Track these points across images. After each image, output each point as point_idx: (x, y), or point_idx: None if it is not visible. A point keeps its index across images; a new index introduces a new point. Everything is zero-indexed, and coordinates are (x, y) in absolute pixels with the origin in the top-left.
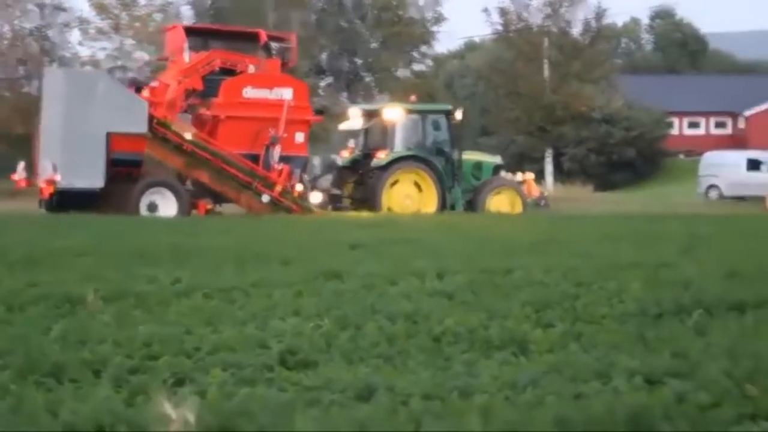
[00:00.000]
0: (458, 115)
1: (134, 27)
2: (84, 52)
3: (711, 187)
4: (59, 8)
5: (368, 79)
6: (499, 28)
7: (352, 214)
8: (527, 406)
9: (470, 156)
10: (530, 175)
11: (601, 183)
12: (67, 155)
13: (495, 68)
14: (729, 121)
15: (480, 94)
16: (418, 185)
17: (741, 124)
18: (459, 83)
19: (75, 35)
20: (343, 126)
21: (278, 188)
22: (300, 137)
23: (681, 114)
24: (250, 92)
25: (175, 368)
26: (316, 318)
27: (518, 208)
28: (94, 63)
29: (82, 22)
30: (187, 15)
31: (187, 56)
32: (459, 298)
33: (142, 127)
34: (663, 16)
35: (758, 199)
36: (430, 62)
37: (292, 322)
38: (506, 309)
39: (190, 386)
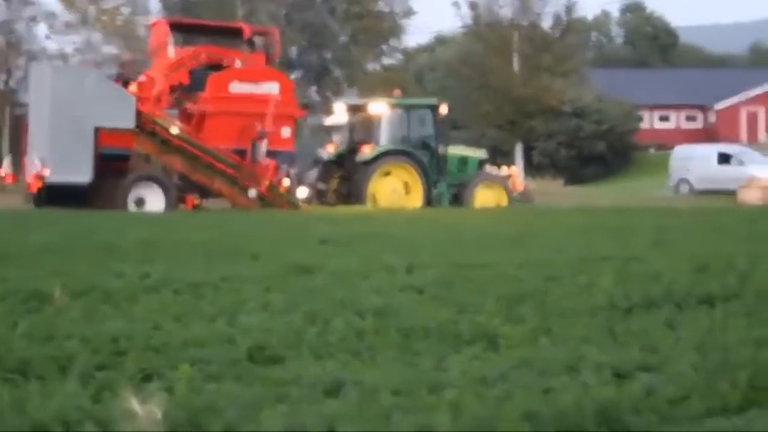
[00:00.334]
0: (443, 109)
1: (102, 20)
2: (52, 45)
3: (681, 180)
4: (26, 2)
5: (337, 73)
6: (469, 21)
7: (325, 208)
8: (496, 400)
9: (455, 150)
10: (515, 170)
11: (571, 177)
12: (56, 150)
13: (465, 62)
14: (699, 115)
15: (450, 88)
16: (403, 180)
17: (711, 118)
18: (429, 77)
19: (42, 29)
20: (328, 121)
21: (265, 183)
22: (286, 132)
23: (651, 108)
24: (236, 87)
25: (143, 364)
26: (285, 313)
27: (504, 203)
28: (62, 57)
29: (50, 16)
30: (156, 8)
31: (171, 51)
32: (429, 292)
33: (130, 122)
34: (633, 9)
35: (729, 193)
36: (399, 56)
37: (260, 318)
38: (477, 303)
39: (158, 382)
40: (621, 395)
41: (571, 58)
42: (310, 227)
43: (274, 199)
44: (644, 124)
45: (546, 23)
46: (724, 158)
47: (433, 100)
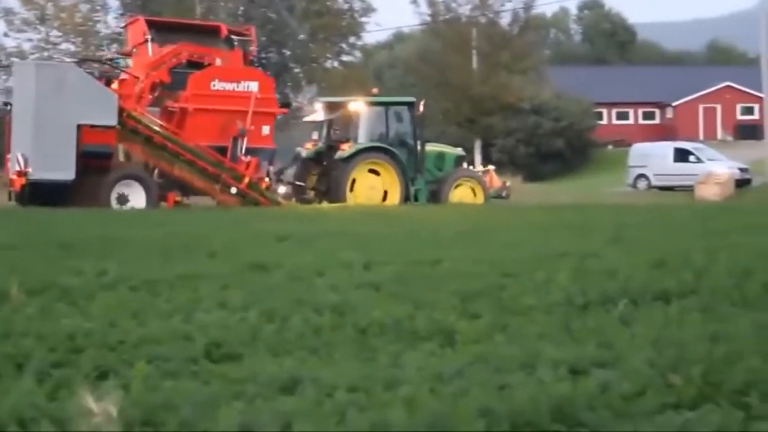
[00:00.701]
0: (420, 107)
1: (60, 18)
2: (9, 43)
3: (639, 177)
4: None
5: (297, 70)
6: (428, 18)
7: (290, 206)
8: (452, 397)
9: (433, 147)
10: (492, 167)
11: (530, 174)
12: (38, 147)
13: (423, 59)
14: (657, 112)
15: (409, 86)
16: (381, 177)
17: (669, 115)
18: (388, 74)
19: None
20: (307, 118)
21: (246, 180)
22: (266, 129)
23: (609, 105)
24: (217, 85)
25: (99, 362)
26: (242, 310)
27: (480, 199)
28: (20, 54)
29: (7, 13)
30: (114, 5)
31: (150, 49)
32: (386, 289)
33: (112, 120)
34: (591, 6)
35: (687, 189)
36: (358, 53)
37: (217, 315)
38: (433, 300)
39: (114, 380)
40: (576, 392)
41: (530, 56)
42: (268, 225)
43: (254, 196)
44: (602, 121)
45: (504, 20)
46: (681, 155)
47: (410, 98)
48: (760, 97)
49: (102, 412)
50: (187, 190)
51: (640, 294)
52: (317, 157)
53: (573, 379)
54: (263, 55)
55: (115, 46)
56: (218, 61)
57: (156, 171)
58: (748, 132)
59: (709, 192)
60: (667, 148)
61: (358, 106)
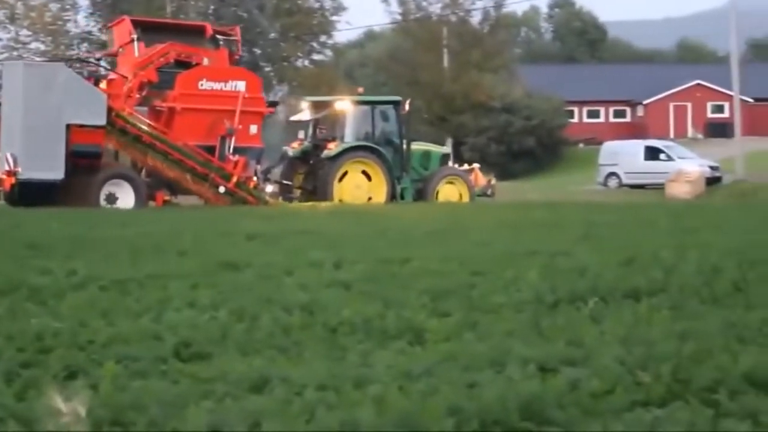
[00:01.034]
0: (406, 106)
1: (30, 17)
2: None
3: (610, 175)
4: None
5: (268, 69)
6: (398, 17)
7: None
8: (421, 395)
9: (419, 146)
10: (477, 165)
11: (501, 172)
12: (28, 147)
13: (394, 58)
14: (628, 110)
15: (380, 84)
16: (368, 176)
17: (640, 113)
18: (359, 73)
19: None
20: (294, 117)
21: (234, 179)
22: (254, 129)
23: (580, 103)
24: (205, 84)
25: (68, 361)
26: (212, 309)
27: (466, 197)
28: None
29: None
30: (84, 4)
31: (136, 49)
32: (356, 288)
33: (101, 119)
34: (562, 5)
35: (657, 187)
36: (329, 52)
37: (187, 314)
38: (403, 298)
39: (83, 379)
40: (545, 389)
41: (500, 54)
42: (238, 224)
43: (242, 195)
44: (573, 120)
45: (475, 19)
46: (652, 153)
47: (396, 97)
48: (730, 96)
49: (70, 412)
50: (176, 189)
51: (610, 292)
52: (304, 157)
53: (542, 377)
54: None
55: (85, 45)
56: (206, 61)
57: (144, 170)
58: (718, 130)
59: (679, 190)
60: (638, 146)
61: (344, 105)
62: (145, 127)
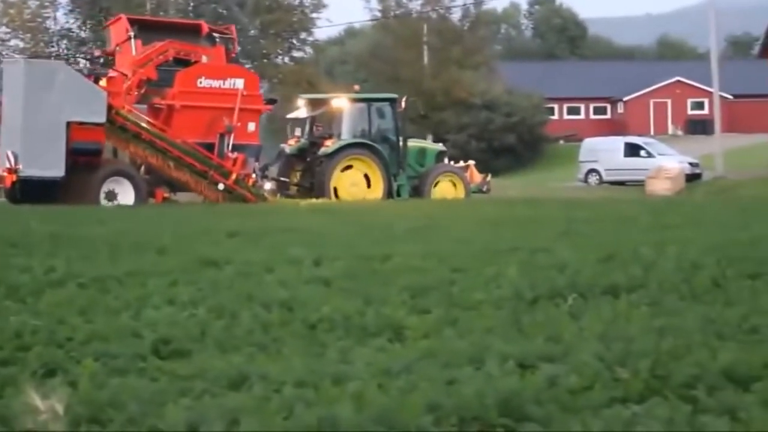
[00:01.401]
0: (402, 103)
1: (9, 14)
2: None
3: (590, 172)
4: None
5: (247, 66)
6: (378, 14)
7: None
8: (400, 392)
9: (415, 143)
10: (472, 162)
11: (482, 169)
12: (28, 145)
13: (375, 55)
14: (608, 107)
15: (360, 81)
16: (364, 173)
17: (620, 110)
18: (340, 70)
19: None
20: (291, 114)
21: (233, 177)
22: (251, 126)
23: (561, 100)
24: (204, 82)
25: (46, 359)
26: (191, 307)
27: (462, 194)
28: None
29: None
30: (63, 1)
31: (133, 47)
32: (336, 284)
33: (101, 117)
34: (542, 1)
35: (638, 184)
36: (309, 49)
37: (166, 311)
38: (383, 295)
39: (61, 377)
40: (524, 386)
41: (481, 51)
42: (219, 221)
43: (241, 192)
44: (554, 116)
45: (455, 16)
46: (632, 149)
47: (393, 95)
48: (710, 92)
49: (48, 409)
50: (175, 186)
51: (589, 288)
52: (300, 154)
53: (521, 374)
54: None
55: (65, 42)
56: (204, 59)
57: (143, 167)
58: (698, 127)
59: (659, 186)
60: (618, 142)
61: (341, 102)
62: (144, 125)
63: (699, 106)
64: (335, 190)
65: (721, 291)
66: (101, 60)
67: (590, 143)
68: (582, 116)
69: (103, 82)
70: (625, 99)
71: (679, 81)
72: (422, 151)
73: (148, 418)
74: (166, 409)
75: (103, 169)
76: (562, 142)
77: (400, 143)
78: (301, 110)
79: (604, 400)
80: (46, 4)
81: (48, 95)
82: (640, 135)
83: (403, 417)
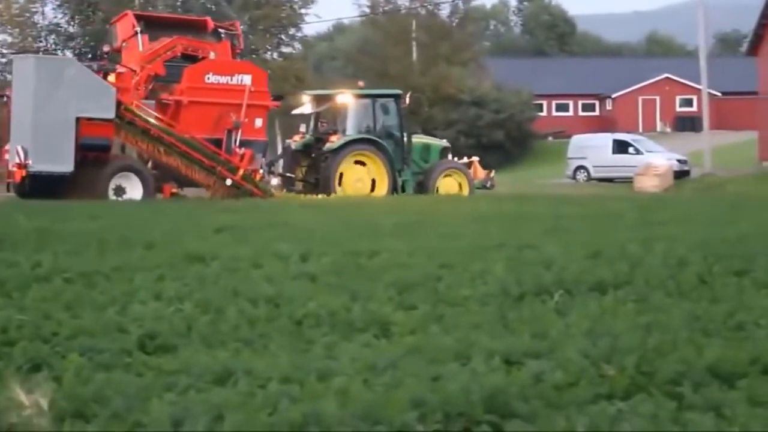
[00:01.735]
0: (407, 99)
1: None
2: None
3: (579, 168)
4: None
5: None
6: (367, 10)
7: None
8: (385, 387)
9: (419, 139)
10: (476, 158)
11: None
12: (38, 140)
13: (364, 51)
14: (597, 104)
15: (349, 77)
16: (369, 168)
17: (608, 106)
18: (328, 66)
19: None
20: (296, 111)
21: (240, 172)
22: (259, 122)
23: (549, 96)
24: (212, 78)
25: (32, 354)
26: (177, 302)
27: (466, 190)
28: None
29: None
30: None
31: (140, 42)
32: (323, 280)
33: (110, 113)
34: None
35: (626, 181)
36: (298, 45)
37: (152, 307)
38: (369, 291)
39: (46, 372)
40: (509, 382)
41: (469, 47)
42: (206, 217)
43: (249, 188)
44: (542, 113)
45: (444, 12)
46: (620, 146)
47: (397, 91)
48: (699, 89)
49: (32, 404)
50: (183, 181)
51: (576, 285)
52: (305, 150)
53: (507, 370)
54: None
55: (53, 38)
56: (212, 55)
57: (150, 162)
58: (686, 124)
59: (648, 183)
60: (607, 139)
61: (345, 98)
62: (153, 120)
63: (687, 103)
64: (340, 183)
65: (708, 288)
66: (108, 56)
67: (579, 140)
68: (570, 113)
69: (111, 78)
70: (613, 96)
71: (667, 78)
72: (426, 147)
73: (133, 413)
74: (151, 404)
75: (112, 164)
76: (550, 138)
77: (405, 139)
78: (306, 106)
79: (590, 396)
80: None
81: (58, 91)
82: (628, 132)
83: (387, 413)
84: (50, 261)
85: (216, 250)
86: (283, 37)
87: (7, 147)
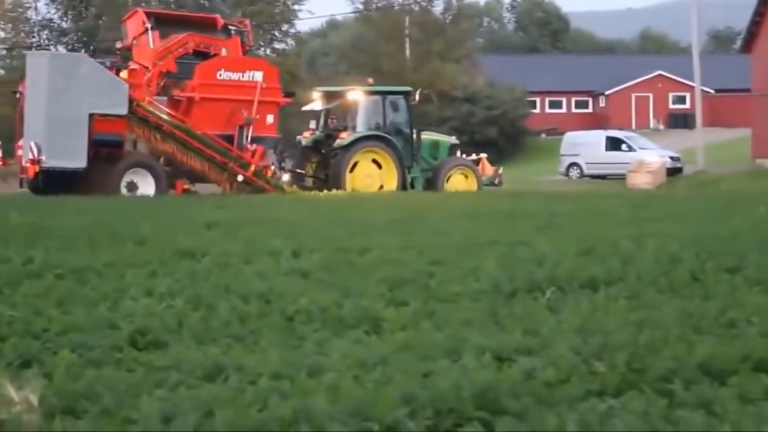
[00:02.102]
0: (416, 96)
1: None
2: None
3: (572, 165)
4: None
5: None
6: (361, 6)
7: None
8: (375, 384)
9: (428, 136)
10: (484, 155)
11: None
12: (51, 136)
13: (357, 47)
14: (590, 101)
15: (342, 73)
16: (379, 165)
17: (602, 103)
18: (321, 62)
19: None
20: (306, 107)
21: (252, 168)
22: (270, 118)
23: (542, 93)
24: (223, 74)
25: (22, 350)
26: (168, 298)
27: (474, 186)
28: None
29: None
30: None
31: (150, 39)
32: (314, 276)
33: (123, 109)
34: None
35: (619, 177)
36: (291, 41)
37: (143, 303)
38: (361, 287)
39: (37, 368)
40: (500, 378)
41: (463, 44)
42: (198, 212)
43: (260, 184)
44: (536, 110)
45: (437, 9)
46: (613, 143)
47: (407, 88)
48: (692, 87)
49: (23, 400)
50: (195, 177)
51: (568, 281)
52: (315, 146)
53: (497, 366)
54: None
55: (45, 33)
56: (224, 51)
57: (162, 158)
58: (679, 121)
59: (640, 180)
60: (600, 136)
61: (355, 95)
62: (165, 117)
63: (680, 100)
64: (350, 182)
65: (700, 285)
66: (120, 52)
67: (572, 137)
68: (564, 110)
69: (124, 74)
70: (606, 93)
71: (660, 75)
72: (435, 144)
73: (123, 409)
74: (141, 400)
75: (124, 160)
76: (543, 135)
77: (414, 136)
78: (316, 103)
79: (581, 393)
80: None
81: (71, 87)
82: (621, 129)
83: (378, 409)
84: (42, 257)
85: (207, 246)
86: (276, 33)
87: (20, 143)
